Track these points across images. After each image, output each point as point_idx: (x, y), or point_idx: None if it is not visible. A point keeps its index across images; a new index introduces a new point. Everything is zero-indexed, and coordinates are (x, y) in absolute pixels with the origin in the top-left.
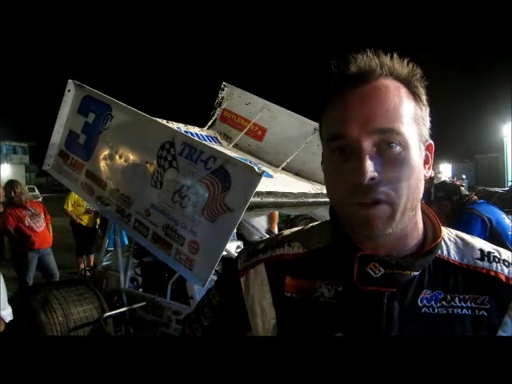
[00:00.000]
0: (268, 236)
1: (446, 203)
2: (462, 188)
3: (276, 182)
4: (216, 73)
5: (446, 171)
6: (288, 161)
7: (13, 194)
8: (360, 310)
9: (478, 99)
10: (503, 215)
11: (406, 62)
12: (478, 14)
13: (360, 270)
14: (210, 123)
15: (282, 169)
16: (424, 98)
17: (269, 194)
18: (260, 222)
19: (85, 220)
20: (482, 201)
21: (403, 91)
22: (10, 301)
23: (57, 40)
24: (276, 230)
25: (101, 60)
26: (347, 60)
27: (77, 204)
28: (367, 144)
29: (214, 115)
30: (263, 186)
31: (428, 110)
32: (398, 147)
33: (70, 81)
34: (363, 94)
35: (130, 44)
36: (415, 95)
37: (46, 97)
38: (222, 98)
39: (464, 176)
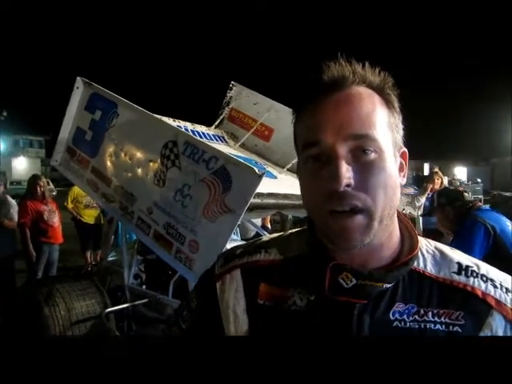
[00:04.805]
0: (264, 231)
1: (449, 209)
2: (466, 194)
3: (280, 183)
4: (225, 71)
5: (461, 175)
6: (294, 162)
7: (38, 188)
8: (330, 321)
9: (495, 102)
10: (508, 223)
11: (377, 70)
12: (491, 15)
13: (332, 279)
14: (217, 122)
15: (288, 170)
16: (397, 105)
17: (270, 195)
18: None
19: (85, 217)
20: (486, 207)
21: (376, 98)
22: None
23: (69, 37)
24: (269, 225)
25: (112, 58)
26: (320, 68)
27: (76, 200)
28: (342, 150)
29: (221, 114)
30: (265, 187)
31: (401, 117)
32: (372, 154)
33: (78, 78)
34: (337, 101)
35: (139, 43)
36: (388, 103)
37: (62, 91)
38: (231, 97)
39: (479, 180)
